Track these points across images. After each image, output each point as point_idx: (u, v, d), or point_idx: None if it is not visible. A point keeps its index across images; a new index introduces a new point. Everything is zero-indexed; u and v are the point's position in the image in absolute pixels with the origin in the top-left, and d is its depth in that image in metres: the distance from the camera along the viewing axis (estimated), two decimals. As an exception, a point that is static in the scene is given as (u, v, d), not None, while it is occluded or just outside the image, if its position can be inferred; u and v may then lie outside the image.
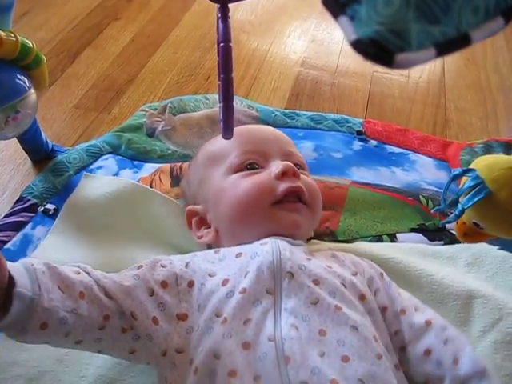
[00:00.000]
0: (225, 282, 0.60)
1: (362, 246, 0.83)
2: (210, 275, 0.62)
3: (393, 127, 1.07)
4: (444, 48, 0.29)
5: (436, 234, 0.89)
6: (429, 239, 0.88)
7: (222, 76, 0.51)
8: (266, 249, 0.63)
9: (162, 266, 0.63)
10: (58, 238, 0.81)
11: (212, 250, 0.68)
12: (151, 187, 0.92)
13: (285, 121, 1.07)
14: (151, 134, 1.02)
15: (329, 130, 1.07)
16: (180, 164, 0.96)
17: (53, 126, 1.07)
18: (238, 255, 0.64)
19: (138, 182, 0.92)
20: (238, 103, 1.09)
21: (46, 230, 0.85)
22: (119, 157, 0.98)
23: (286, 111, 1.10)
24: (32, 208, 0.88)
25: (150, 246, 0.81)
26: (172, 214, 0.84)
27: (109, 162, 0.97)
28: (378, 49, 0.28)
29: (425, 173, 0.99)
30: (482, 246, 0.85)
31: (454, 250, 0.85)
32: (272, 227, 0.68)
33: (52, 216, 0.87)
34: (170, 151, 1.00)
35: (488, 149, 1.04)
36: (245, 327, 0.56)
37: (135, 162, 0.98)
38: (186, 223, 0.78)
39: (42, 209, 0.88)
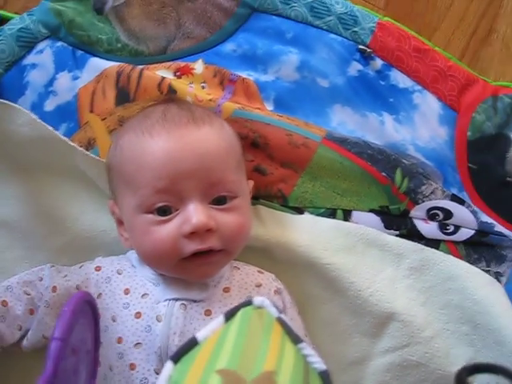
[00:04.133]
0: (119, 340, 0.65)
1: (304, 232, 0.78)
2: (112, 319, 0.67)
3: (411, 43, 0.81)
4: None
5: (395, 220, 0.81)
6: (385, 225, 0.81)
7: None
8: (159, 328, 0.65)
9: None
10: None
11: (122, 290, 0.69)
12: (93, 98, 0.81)
13: (276, 6, 0.81)
14: (100, 9, 0.80)
15: (328, 30, 0.81)
16: (129, 70, 0.80)
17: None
18: (137, 315, 0.66)
19: (77, 93, 0.80)
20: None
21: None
22: (58, 45, 0.81)
23: (282, -13, 0.81)
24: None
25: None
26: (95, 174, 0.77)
27: (44, 56, 0.80)
28: None
29: (421, 128, 0.81)
30: (435, 254, 0.79)
31: (405, 249, 0.80)
32: (182, 276, 0.68)
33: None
34: (119, 44, 0.81)
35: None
36: None
37: (78, 54, 0.81)
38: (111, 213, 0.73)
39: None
